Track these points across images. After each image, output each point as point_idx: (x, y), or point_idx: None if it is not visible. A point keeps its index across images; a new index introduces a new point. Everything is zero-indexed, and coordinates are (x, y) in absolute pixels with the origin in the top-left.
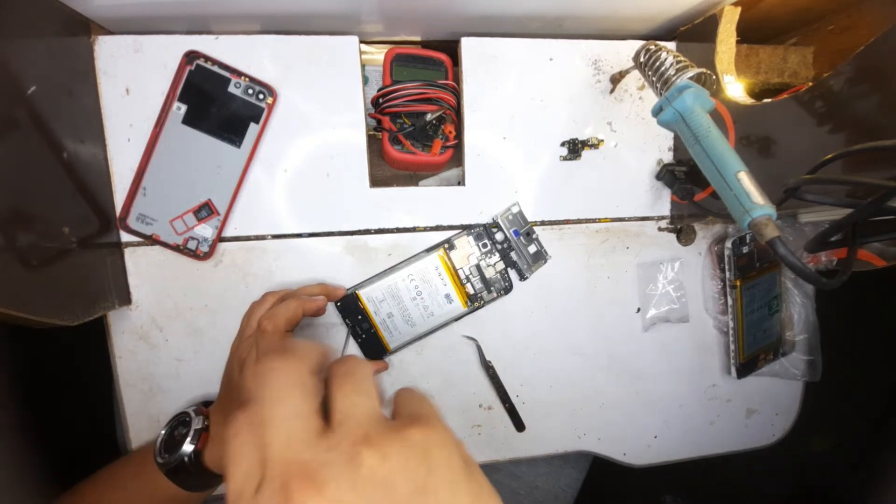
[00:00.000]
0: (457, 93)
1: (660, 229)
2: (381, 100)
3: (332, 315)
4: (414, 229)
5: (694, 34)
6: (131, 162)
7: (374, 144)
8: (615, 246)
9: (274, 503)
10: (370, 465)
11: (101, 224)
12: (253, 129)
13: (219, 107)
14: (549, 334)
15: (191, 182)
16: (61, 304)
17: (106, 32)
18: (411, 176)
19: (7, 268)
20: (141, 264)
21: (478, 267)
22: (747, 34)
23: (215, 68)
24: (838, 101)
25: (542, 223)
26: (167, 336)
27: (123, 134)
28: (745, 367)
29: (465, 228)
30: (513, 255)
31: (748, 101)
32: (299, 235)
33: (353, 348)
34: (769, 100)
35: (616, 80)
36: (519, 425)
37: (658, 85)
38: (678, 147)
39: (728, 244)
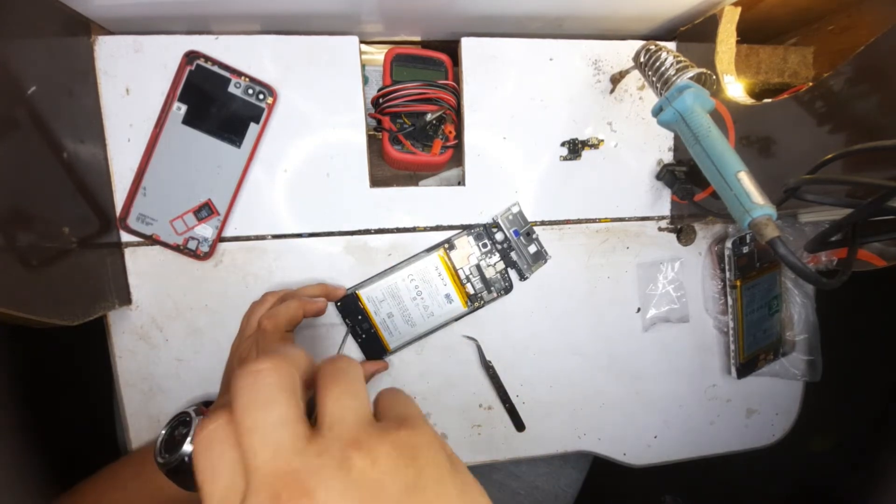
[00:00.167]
0: (457, 93)
1: (660, 229)
2: (381, 100)
3: (332, 315)
4: (414, 229)
5: (694, 34)
6: (131, 162)
7: (374, 144)
8: (615, 246)
9: None
10: (361, 468)
11: (101, 224)
12: (253, 129)
13: (219, 107)
14: (549, 334)
15: (191, 182)
16: (61, 304)
17: (106, 32)
18: (411, 176)
19: (7, 268)
20: (141, 264)
21: (478, 267)
22: (747, 34)
23: (215, 68)
24: (838, 101)
25: (542, 223)
26: (167, 336)
27: (123, 134)
28: (746, 367)
29: (465, 228)
30: (513, 255)
31: (748, 101)
32: (299, 235)
33: (353, 348)
34: (769, 100)
35: (616, 80)
36: (519, 425)
37: (658, 85)
38: (678, 147)
39: (728, 244)
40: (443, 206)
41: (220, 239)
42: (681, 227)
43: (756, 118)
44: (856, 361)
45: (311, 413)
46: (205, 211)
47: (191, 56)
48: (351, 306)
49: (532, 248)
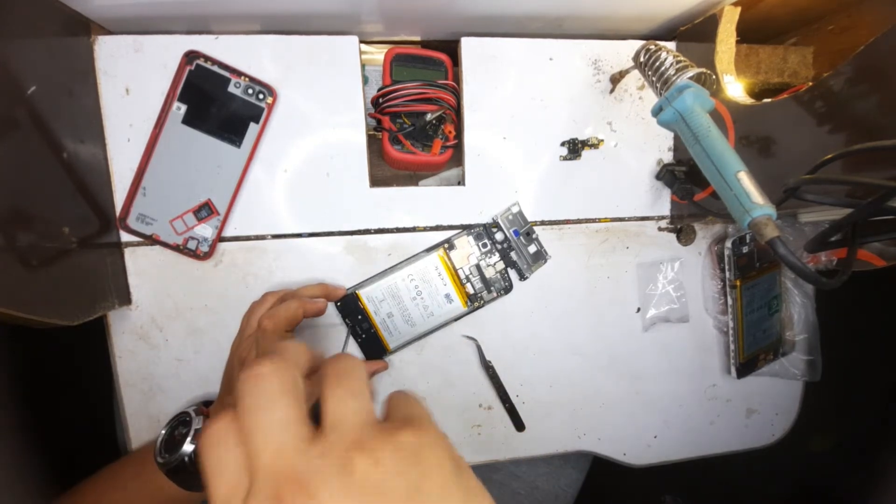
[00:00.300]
0: (457, 93)
1: (660, 229)
2: (381, 100)
3: (332, 315)
4: (414, 229)
5: (694, 34)
6: (131, 162)
7: (374, 144)
8: (615, 246)
9: None
10: (363, 470)
11: (101, 224)
12: (253, 128)
13: (219, 107)
14: (549, 334)
15: (191, 182)
16: (61, 304)
17: (106, 32)
18: (411, 176)
19: (7, 268)
20: (141, 264)
21: (478, 267)
22: (747, 34)
23: (215, 68)
24: (838, 101)
25: (542, 223)
26: (167, 336)
27: (123, 134)
28: (745, 366)
29: (465, 228)
30: (513, 254)
31: (748, 101)
32: (299, 235)
33: (353, 348)
34: (769, 100)
35: (616, 80)
36: (519, 425)
37: (658, 85)
38: (678, 147)
39: (728, 244)
40: (443, 206)
41: (220, 239)
42: (681, 227)
43: (756, 118)
44: (856, 361)
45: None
46: (205, 211)
47: (191, 56)
48: (351, 306)
49: (532, 248)
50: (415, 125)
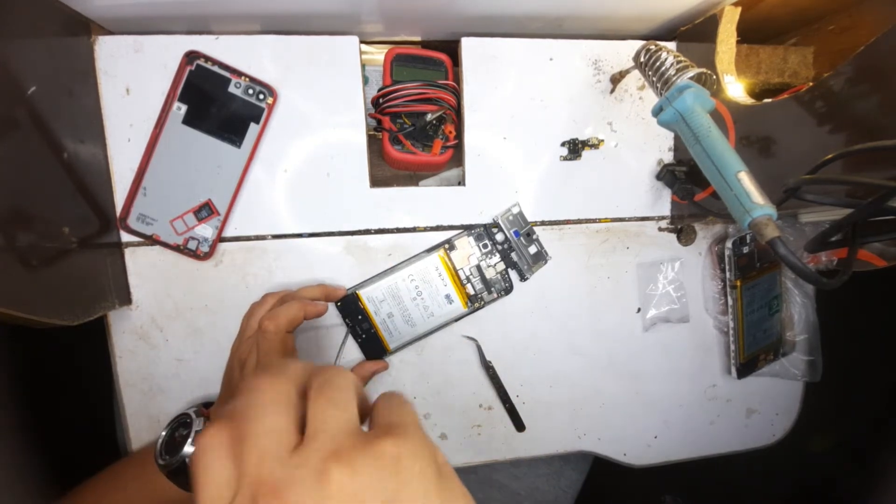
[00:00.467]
0: (457, 93)
1: (660, 229)
2: (381, 100)
3: (332, 315)
4: (414, 229)
5: (694, 34)
6: (131, 162)
7: (374, 144)
8: (615, 246)
9: None
10: (338, 479)
11: (101, 224)
12: (253, 129)
13: (219, 107)
14: (549, 334)
15: (191, 182)
16: (61, 304)
17: (106, 32)
18: (411, 176)
19: (7, 268)
20: (141, 264)
21: (478, 267)
22: (747, 34)
23: (215, 68)
24: (838, 101)
25: (543, 223)
26: (167, 336)
27: (123, 134)
28: (746, 367)
29: (466, 229)
30: (513, 255)
31: (748, 101)
32: (299, 235)
33: (353, 348)
34: (769, 100)
35: (616, 80)
36: (519, 425)
37: (658, 85)
38: (678, 147)
39: (728, 244)
40: (443, 207)
41: (220, 239)
42: (681, 227)
43: (756, 118)
44: (856, 361)
45: None
46: (205, 211)
47: (191, 56)
48: (351, 306)
49: (532, 249)
50: (415, 125)
